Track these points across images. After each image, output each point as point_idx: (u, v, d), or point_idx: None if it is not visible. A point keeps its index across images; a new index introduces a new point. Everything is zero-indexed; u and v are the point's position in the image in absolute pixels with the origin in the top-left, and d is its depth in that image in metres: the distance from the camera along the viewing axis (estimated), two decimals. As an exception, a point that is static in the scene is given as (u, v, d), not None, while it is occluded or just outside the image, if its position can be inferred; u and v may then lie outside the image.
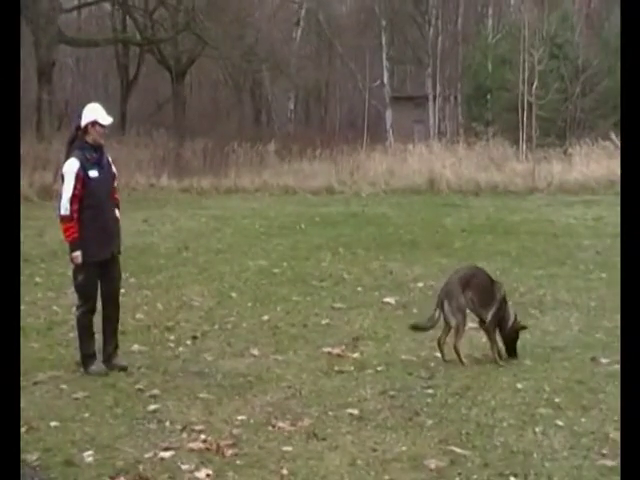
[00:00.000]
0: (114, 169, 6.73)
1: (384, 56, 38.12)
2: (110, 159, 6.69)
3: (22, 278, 10.09)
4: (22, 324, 7.84)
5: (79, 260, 6.43)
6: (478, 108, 33.98)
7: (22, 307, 8.59)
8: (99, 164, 6.44)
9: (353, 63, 39.45)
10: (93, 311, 6.58)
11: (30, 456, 4.85)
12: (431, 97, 37.14)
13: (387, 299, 8.99)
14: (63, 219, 6.38)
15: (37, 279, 10.12)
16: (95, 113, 6.44)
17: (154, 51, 34.43)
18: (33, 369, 6.52)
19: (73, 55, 39.06)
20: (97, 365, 6.50)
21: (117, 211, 6.70)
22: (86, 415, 5.55)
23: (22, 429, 5.24)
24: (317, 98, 44.17)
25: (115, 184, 6.75)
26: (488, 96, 33.72)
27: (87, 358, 6.52)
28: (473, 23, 40.42)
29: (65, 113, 33.37)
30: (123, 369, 6.46)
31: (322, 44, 43.00)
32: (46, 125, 26.47)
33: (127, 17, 35.54)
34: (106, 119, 6.46)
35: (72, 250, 6.43)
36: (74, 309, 6.75)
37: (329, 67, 42.82)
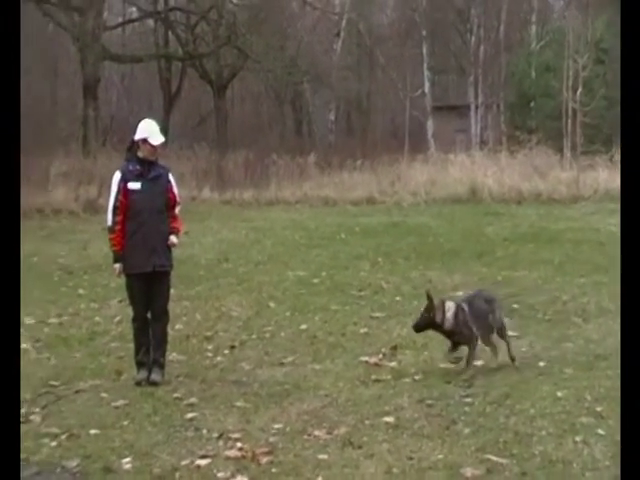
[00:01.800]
0: (175, 191, 6.70)
1: (425, 65, 38.03)
2: (171, 178, 6.69)
3: (66, 290, 10.38)
4: (65, 334, 8.07)
5: (118, 272, 6.53)
6: (521, 116, 33.67)
7: (65, 318, 8.86)
8: (144, 177, 6.51)
9: (394, 73, 39.40)
10: (136, 321, 6.67)
11: (70, 462, 4.93)
12: (473, 106, 36.93)
13: (426, 308, 8.92)
14: (108, 230, 6.55)
15: (80, 291, 10.29)
16: (147, 131, 6.52)
17: (196, 65, 34.83)
18: (75, 378, 6.64)
19: (118, 71, 39.68)
20: (140, 374, 6.57)
21: (173, 237, 6.63)
22: (125, 423, 5.61)
23: (63, 436, 5.36)
24: (358, 109, 44.12)
25: (176, 210, 6.71)
26: (531, 104, 33.40)
27: (136, 364, 6.63)
28: (516, 30, 40.10)
29: (110, 128, 33.90)
30: (153, 384, 6.47)
31: (363, 55, 43.00)
32: (91, 140, 26.91)
33: (169, 33, 36.03)
34: (157, 139, 6.53)
35: (114, 261, 6.54)
36: None
37: (370, 78, 42.81)
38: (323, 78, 35.24)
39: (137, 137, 6.53)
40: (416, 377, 6.54)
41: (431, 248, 13.30)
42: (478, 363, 6.82)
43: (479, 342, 6.67)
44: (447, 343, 6.74)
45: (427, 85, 38.28)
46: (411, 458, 4.91)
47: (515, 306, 8.87)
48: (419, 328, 6.81)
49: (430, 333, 7.73)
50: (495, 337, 6.77)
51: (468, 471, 4.68)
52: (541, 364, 6.76)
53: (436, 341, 7.58)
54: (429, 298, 6.65)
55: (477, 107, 36.80)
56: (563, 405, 5.72)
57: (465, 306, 6.67)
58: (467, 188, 21.45)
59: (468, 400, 5.90)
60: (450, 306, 6.67)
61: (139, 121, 6.75)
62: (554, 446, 5.00)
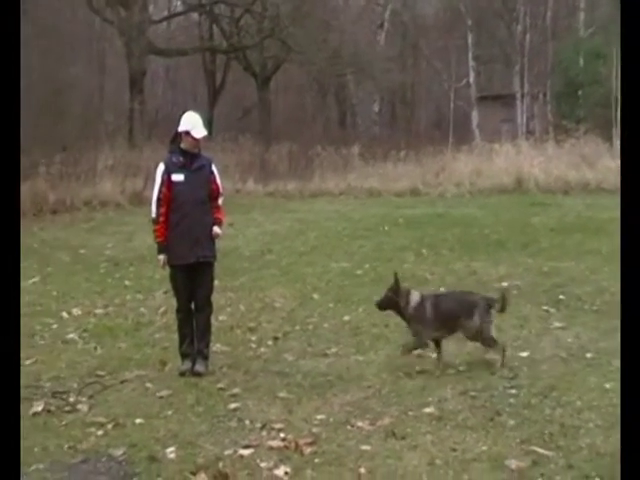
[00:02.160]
0: (218, 182, 6.74)
1: (470, 55, 37.63)
2: (214, 169, 6.72)
3: (112, 281, 10.51)
4: (111, 325, 8.17)
5: (162, 263, 6.58)
6: (568, 105, 33.11)
7: (111, 309, 8.95)
8: (187, 168, 6.54)
9: (438, 63, 39.07)
10: (180, 312, 6.71)
11: (116, 451, 4.99)
12: (519, 95, 36.42)
13: (471, 299, 8.84)
14: (152, 221, 6.58)
15: (126, 282, 10.40)
16: (190, 124, 6.54)
17: (240, 58, 34.94)
18: (120, 368, 6.72)
19: (163, 64, 40.00)
20: (184, 364, 6.62)
21: (217, 228, 6.66)
22: (169, 413, 5.67)
23: (109, 425, 5.44)
24: (402, 100, 43.88)
25: (219, 201, 6.76)
26: (579, 92, 32.83)
27: (180, 355, 6.67)
28: (563, 17, 39.42)
29: (155, 121, 34.21)
30: (196, 374, 6.51)
31: (407, 45, 42.73)
32: (137, 133, 27.19)
33: (214, 25, 36.21)
34: (199, 132, 6.55)
35: (158, 253, 6.59)
36: None
37: (414, 68, 42.53)
38: (367, 69, 35.05)
39: (180, 129, 6.57)
40: (460, 368, 6.50)
41: (476, 239, 13.17)
42: (523, 355, 6.74)
43: (428, 342, 6.61)
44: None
45: (472, 75, 37.87)
46: (455, 449, 4.88)
47: (562, 297, 8.73)
48: (381, 306, 6.80)
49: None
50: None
51: (513, 463, 4.63)
52: (588, 355, 6.66)
53: (480, 332, 7.54)
54: (396, 280, 6.62)
55: (523, 96, 36.28)
56: (610, 397, 5.62)
57: (429, 302, 6.60)
58: (513, 178, 21.18)
59: (513, 392, 5.84)
60: (415, 296, 6.64)
61: (183, 113, 6.78)
62: (602, 439, 4.93)
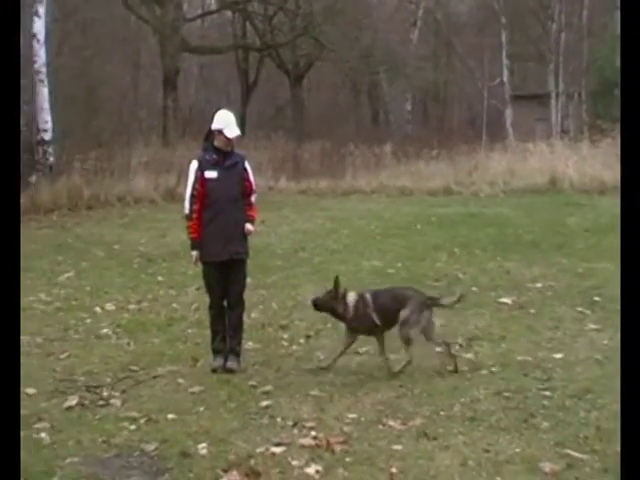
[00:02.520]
0: (251, 179, 6.71)
1: (504, 54, 37.33)
2: (247, 166, 6.70)
3: (145, 277, 10.57)
4: (143, 320, 8.22)
5: (195, 259, 6.61)
6: (604, 104, 32.70)
7: (144, 304, 9.00)
8: (220, 166, 6.55)
9: (472, 62, 38.82)
10: (212, 308, 6.74)
11: (149, 446, 5.02)
12: (554, 94, 36.07)
13: (503, 299, 8.79)
14: (186, 218, 6.62)
15: (159, 278, 10.46)
16: (223, 122, 6.55)
17: (273, 56, 35.06)
18: (153, 364, 6.76)
19: (197, 62, 40.23)
20: (216, 361, 6.64)
21: (249, 225, 6.66)
22: (201, 409, 5.68)
23: (141, 420, 5.46)
24: (435, 98, 43.72)
25: (252, 198, 6.74)
26: (615, 91, 32.41)
27: (212, 352, 6.70)
28: (599, 15, 38.95)
29: (189, 119, 34.41)
30: (229, 371, 6.52)
31: (440, 44, 42.54)
32: (171, 131, 27.39)
33: (247, 23, 36.34)
34: (232, 131, 6.54)
35: (191, 249, 6.62)
36: None
37: (447, 67, 42.32)
38: (400, 68, 35.00)
39: (213, 127, 6.58)
40: (493, 369, 6.44)
41: (509, 239, 13.06)
42: (557, 356, 6.67)
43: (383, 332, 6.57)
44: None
45: (506, 73, 37.57)
46: (487, 451, 4.84)
47: (597, 299, 8.62)
48: (316, 307, 6.73)
49: (511, 327, 7.67)
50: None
51: (547, 466, 4.58)
52: (624, 358, 6.56)
53: (514, 333, 7.48)
54: (335, 283, 6.56)
55: (558, 95, 35.93)
56: (647, 401, 5.53)
57: (369, 297, 6.56)
58: (547, 178, 20.94)
59: (547, 393, 5.78)
60: (352, 297, 6.57)
61: (216, 110, 6.80)
62: (638, 443, 4.85)
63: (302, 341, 7.43)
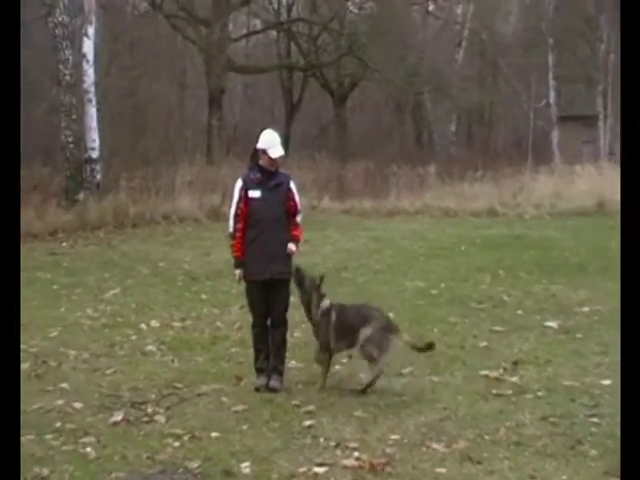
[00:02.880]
0: (296, 199, 6.72)
1: (550, 75, 37.07)
2: (292, 186, 6.71)
3: (189, 295, 10.65)
4: (187, 338, 8.28)
5: (238, 278, 6.65)
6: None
7: (188, 322, 9.06)
8: (263, 185, 6.59)
9: (518, 83, 38.58)
10: (255, 327, 6.77)
11: (192, 464, 5.04)
12: (602, 116, 35.69)
13: (549, 323, 8.68)
14: (229, 237, 6.68)
15: (203, 296, 10.53)
16: (267, 143, 6.60)
17: (317, 75, 35.26)
18: (197, 381, 6.80)
19: (241, 81, 40.63)
20: (260, 380, 6.65)
21: (292, 245, 6.66)
22: (245, 427, 5.70)
23: (185, 437, 5.50)
24: (480, 119, 43.50)
25: (297, 218, 6.75)
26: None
27: (255, 370, 6.72)
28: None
29: (234, 138, 34.73)
30: (272, 390, 6.53)
31: (485, 64, 42.36)
32: (215, 150, 27.63)
33: (292, 43, 36.65)
34: (276, 152, 6.59)
35: (235, 267, 6.67)
36: None
37: (492, 87, 42.11)
38: (444, 88, 34.96)
39: (258, 146, 6.64)
40: (539, 393, 6.36)
41: (555, 262, 12.90)
42: (605, 382, 6.56)
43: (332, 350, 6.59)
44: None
45: (552, 95, 37.29)
46: (534, 477, 4.78)
47: (645, 324, 8.46)
48: (295, 276, 6.76)
49: (557, 351, 7.56)
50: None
51: (595, 494, 4.50)
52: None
53: (561, 357, 7.38)
54: (321, 279, 6.65)
55: (606, 117, 35.52)
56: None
57: (333, 314, 6.56)
58: (594, 201, 20.68)
59: (594, 420, 5.68)
60: (325, 304, 6.61)
61: (262, 130, 6.85)
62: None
63: (345, 361, 7.39)
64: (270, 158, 6.60)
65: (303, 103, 37.96)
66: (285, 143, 33.97)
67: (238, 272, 6.65)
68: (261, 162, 6.64)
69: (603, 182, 21.98)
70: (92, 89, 18.91)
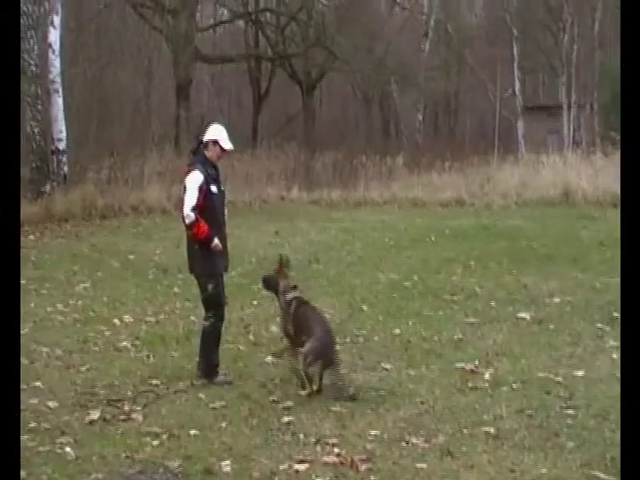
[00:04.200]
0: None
1: (515, 65, 37.34)
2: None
3: (161, 288, 10.56)
4: (162, 332, 8.22)
5: (220, 247, 6.55)
6: (616, 116, 32.62)
7: (161, 316, 9.00)
8: (217, 181, 6.62)
9: (483, 73, 38.82)
10: (221, 321, 6.73)
11: (172, 463, 5.00)
12: (565, 106, 36.04)
13: (522, 314, 8.75)
14: (191, 225, 6.43)
15: (175, 289, 10.44)
16: (220, 134, 6.60)
17: (285, 66, 35.13)
18: (173, 378, 6.74)
19: (208, 71, 40.30)
20: (224, 375, 6.64)
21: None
22: (223, 425, 5.67)
23: (164, 436, 5.45)
24: (446, 109, 43.72)
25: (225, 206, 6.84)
26: (627, 103, 32.34)
27: (215, 368, 6.64)
28: (612, 27, 38.89)
29: (201, 128, 34.41)
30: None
31: (451, 55, 42.52)
32: (184, 140, 27.39)
33: (259, 33, 36.45)
34: (228, 145, 6.62)
35: (211, 241, 6.47)
36: (203, 321, 6.78)
37: (458, 78, 42.31)
38: (411, 78, 35.06)
39: (208, 138, 6.59)
40: (514, 386, 6.41)
41: (524, 252, 13.03)
42: (578, 373, 6.64)
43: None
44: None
45: (517, 85, 37.56)
46: (513, 471, 4.82)
47: (616, 315, 8.55)
48: (264, 284, 6.96)
49: (530, 342, 7.64)
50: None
51: (574, 487, 4.55)
52: (645, 376, 6.52)
53: (534, 349, 7.45)
54: (280, 261, 6.82)
55: (570, 107, 35.88)
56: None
57: (293, 305, 6.68)
58: (560, 190, 20.93)
59: (570, 412, 5.75)
60: (291, 295, 6.76)
61: (208, 123, 6.82)
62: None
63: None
64: (222, 149, 6.59)
65: (271, 93, 37.80)
66: (253, 133, 33.66)
67: (217, 242, 6.50)
68: (209, 154, 6.58)
69: (568, 172, 22.26)
70: (58, 79, 18.64)
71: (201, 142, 6.64)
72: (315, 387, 6.29)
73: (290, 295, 6.74)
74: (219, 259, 6.60)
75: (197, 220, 6.39)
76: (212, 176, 6.56)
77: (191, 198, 6.41)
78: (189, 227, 6.47)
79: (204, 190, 6.45)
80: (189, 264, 6.75)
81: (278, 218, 18.24)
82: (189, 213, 6.40)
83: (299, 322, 6.59)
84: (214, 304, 6.67)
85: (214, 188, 6.54)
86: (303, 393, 6.29)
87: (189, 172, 6.52)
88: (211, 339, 6.66)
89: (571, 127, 35.79)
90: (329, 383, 6.27)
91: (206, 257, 6.53)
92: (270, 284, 6.90)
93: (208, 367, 6.62)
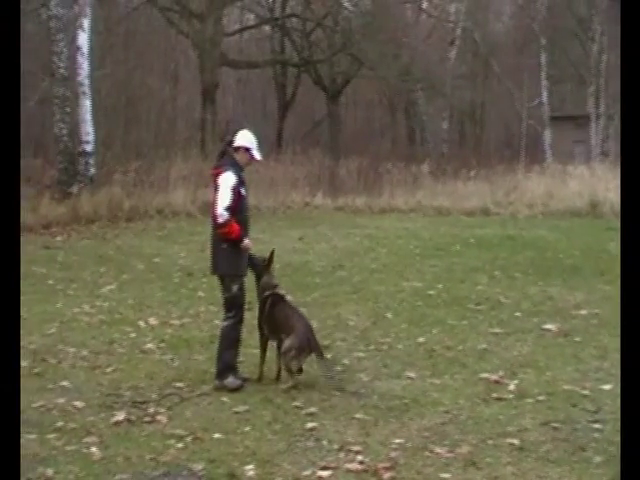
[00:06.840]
0: None
1: (543, 75, 37.13)
2: None
3: (185, 291, 10.61)
4: (186, 336, 8.26)
5: (251, 245, 6.63)
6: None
7: (186, 320, 9.03)
8: (245, 184, 6.66)
9: (510, 82, 38.65)
10: (242, 322, 6.74)
11: (196, 465, 5.02)
12: (593, 116, 35.79)
13: (547, 326, 8.68)
14: (224, 224, 6.43)
15: (200, 293, 10.49)
16: (252, 143, 6.66)
17: (311, 72, 35.19)
18: (197, 381, 6.77)
19: (234, 76, 40.49)
20: (237, 377, 6.62)
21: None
22: (247, 429, 5.68)
23: (188, 439, 5.47)
24: (472, 118, 43.57)
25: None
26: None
27: (230, 370, 6.61)
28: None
29: (226, 133, 34.59)
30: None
31: (478, 63, 42.41)
32: (209, 144, 27.53)
33: (285, 39, 36.58)
34: (259, 155, 6.73)
35: (240, 241, 6.52)
36: (222, 321, 6.80)
37: (485, 86, 42.19)
38: (437, 86, 35.00)
39: (241, 143, 6.62)
40: (539, 398, 6.35)
41: (550, 263, 12.93)
42: (605, 387, 6.57)
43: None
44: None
45: (545, 95, 37.34)
46: (538, 484, 4.78)
47: (642, 328, 8.50)
48: (249, 262, 6.82)
49: (555, 355, 7.58)
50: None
51: (601, 503, 4.51)
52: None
53: (560, 361, 7.39)
54: (271, 256, 6.85)
55: (598, 117, 35.62)
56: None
57: (268, 303, 6.73)
58: (587, 201, 20.76)
59: (597, 426, 5.69)
60: (267, 293, 6.79)
61: (237, 128, 6.87)
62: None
63: (345, 362, 7.38)
64: (253, 158, 6.66)
65: (296, 99, 37.91)
66: (278, 138, 33.84)
67: (248, 241, 6.59)
68: (238, 159, 6.63)
69: (595, 183, 22.09)
70: (86, 82, 18.82)
71: (230, 144, 6.66)
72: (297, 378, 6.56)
73: (267, 292, 6.80)
74: (244, 261, 6.64)
75: (230, 219, 6.43)
76: (242, 179, 6.60)
77: (225, 198, 6.45)
78: (221, 226, 6.47)
79: (236, 191, 6.50)
80: (213, 264, 6.73)
81: (302, 224, 18.27)
82: (223, 212, 6.43)
83: (276, 320, 6.68)
84: (236, 305, 6.68)
85: (244, 191, 6.59)
86: (284, 387, 6.50)
87: (220, 173, 6.56)
88: (229, 340, 6.66)
89: (599, 137, 35.52)
90: (320, 374, 6.56)
91: (233, 257, 6.56)
92: (254, 268, 6.86)
93: (222, 367, 6.61)
